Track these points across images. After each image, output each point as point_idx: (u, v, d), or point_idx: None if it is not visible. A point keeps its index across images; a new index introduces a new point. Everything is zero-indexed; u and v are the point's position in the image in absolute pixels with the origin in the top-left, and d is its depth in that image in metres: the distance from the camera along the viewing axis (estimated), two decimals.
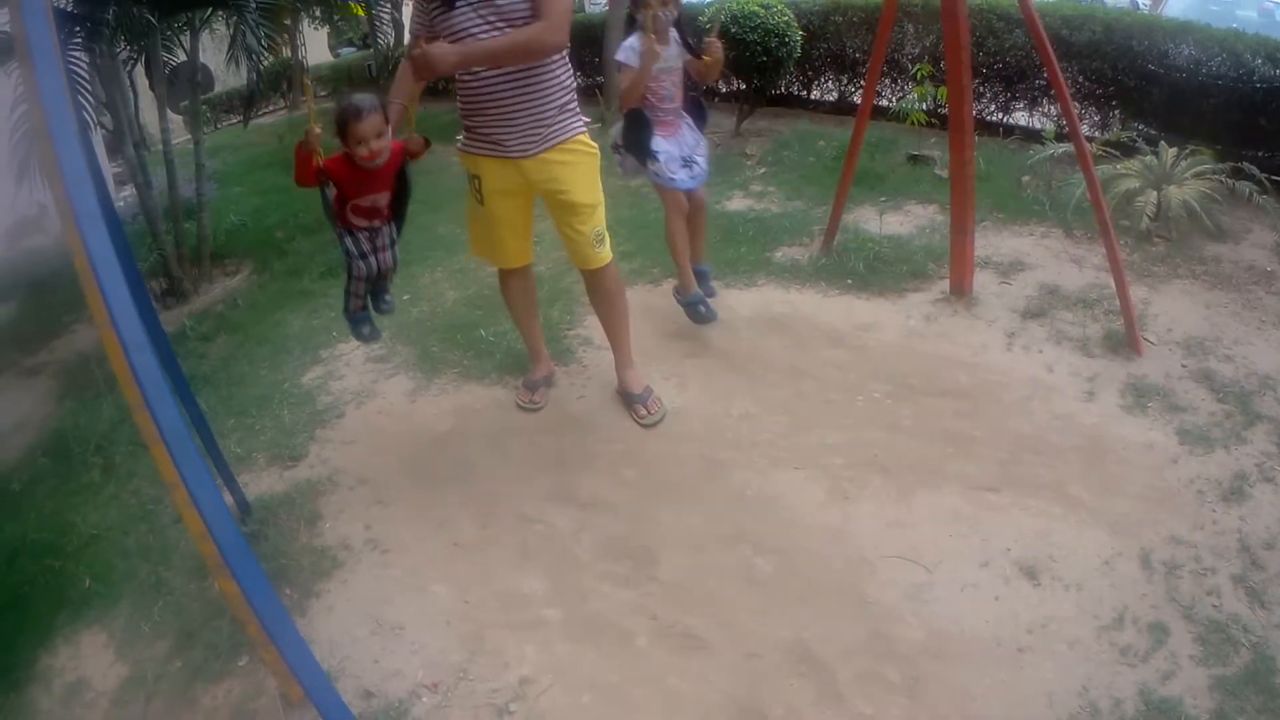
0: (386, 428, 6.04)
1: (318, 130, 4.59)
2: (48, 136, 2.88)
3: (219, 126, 20.07)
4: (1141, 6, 16.29)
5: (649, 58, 5.88)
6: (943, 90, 9.07)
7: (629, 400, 5.87)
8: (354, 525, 5.11)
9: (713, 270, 7.24)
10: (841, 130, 10.95)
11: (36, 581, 5.09)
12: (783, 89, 13.83)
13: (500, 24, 4.73)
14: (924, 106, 10.99)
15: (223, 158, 15.24)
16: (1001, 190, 9.13)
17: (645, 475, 5.33)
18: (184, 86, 10.35)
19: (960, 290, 7.07)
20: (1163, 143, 8.84)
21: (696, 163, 6.45)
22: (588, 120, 5.30)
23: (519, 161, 5.11)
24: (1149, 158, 8.66)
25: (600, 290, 5.70)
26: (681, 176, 6.34)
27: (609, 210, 5.52)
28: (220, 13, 9.09)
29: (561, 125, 5.12)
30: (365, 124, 4.57)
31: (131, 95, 9.31)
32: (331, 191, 4.80)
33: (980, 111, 11.68)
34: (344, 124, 4.60)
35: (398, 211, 5.11)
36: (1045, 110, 11.28)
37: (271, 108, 22.75)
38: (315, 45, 25.05)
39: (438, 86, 8.75)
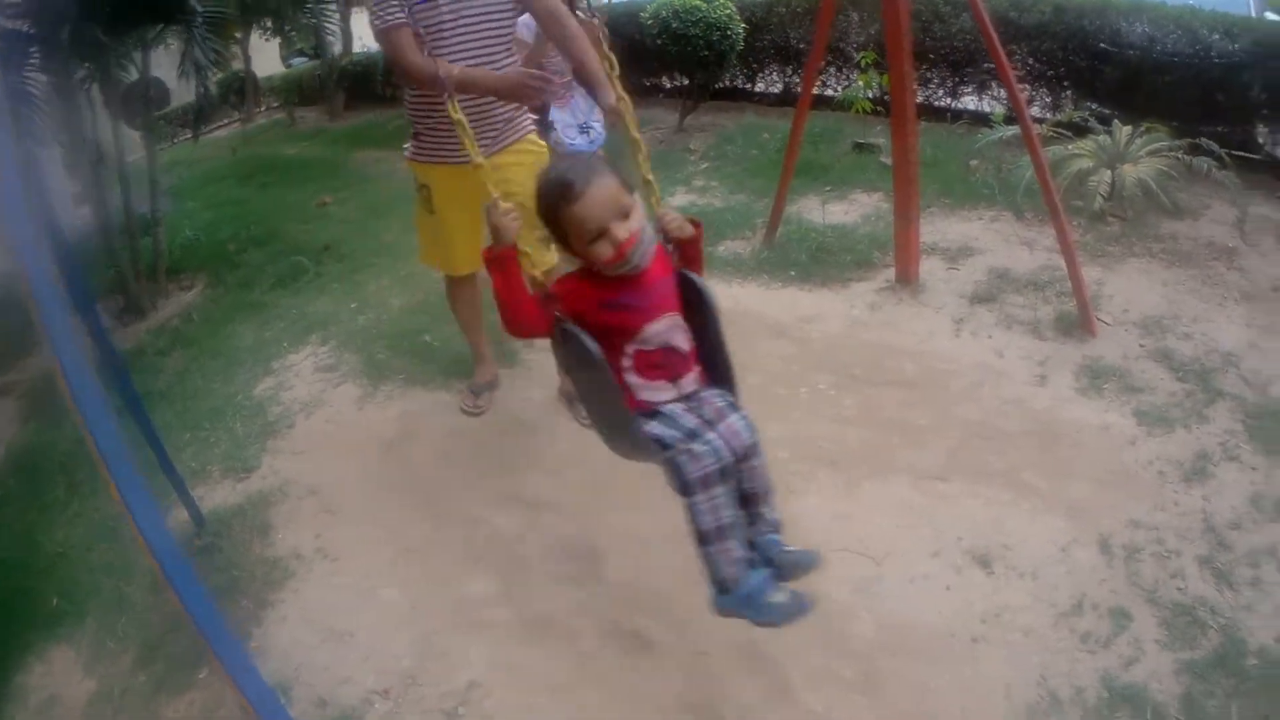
0: (335, 436, 6.09)
1: (506, 204, 3.31)
2: None
3: (174, 141, 20.07)
4: None
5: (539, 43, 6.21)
6: (886, 77, 9.09)
7: (571, 401, 5.88)
8: (305, 534, 5.15)
9: None
10: (786, 122, 10.88)
11: (6, 601, 5.19)
12: (726, 83, 13.89)
13: (479, 20, 4.90)
14: (869, 94, 11.00)
15: (177, 173, 15.32)
16: (949, 175, 9.16)
17: (590, 476, 5.30)
18: (138, 103, 10.35)
19: (906, 278, 7.08)
20: (1116, 121, 8.87)
21: (593, 128, 7.09)
22: (535, 118, 5.40)
23: (467, 169, 5.09)
24: (1102, 137, 8.69)
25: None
26: (580, 142, 6.98)
27: None
28: (172, 28, 9.10)
29: (514, 125, 5.22)
30: (589, 202, 2.99)
31: (89, 113, 9.31)
32: (589, 346, 3.11)
33: (928, 97, 11.75)
34: (556, 217, 3.07)
35: (705, 337, 3.45)
36: (994, 94, 11.33)
37: (225, 121, 22.76)
38: (267, 56, 25.02)
39: (385, 94, 8.67)
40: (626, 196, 3.03)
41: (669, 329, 3.24)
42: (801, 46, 12.77)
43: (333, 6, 11.25)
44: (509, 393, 6.25)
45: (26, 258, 2.87)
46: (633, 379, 3.24)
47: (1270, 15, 14.29)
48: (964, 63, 11.40)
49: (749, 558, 3.32)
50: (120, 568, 5.11)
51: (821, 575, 4.36)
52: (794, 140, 7.51)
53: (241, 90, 22.39)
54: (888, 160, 9.03)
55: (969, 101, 11.86)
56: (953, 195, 8.73)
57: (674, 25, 11.43)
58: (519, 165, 5.16)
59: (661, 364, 3.25)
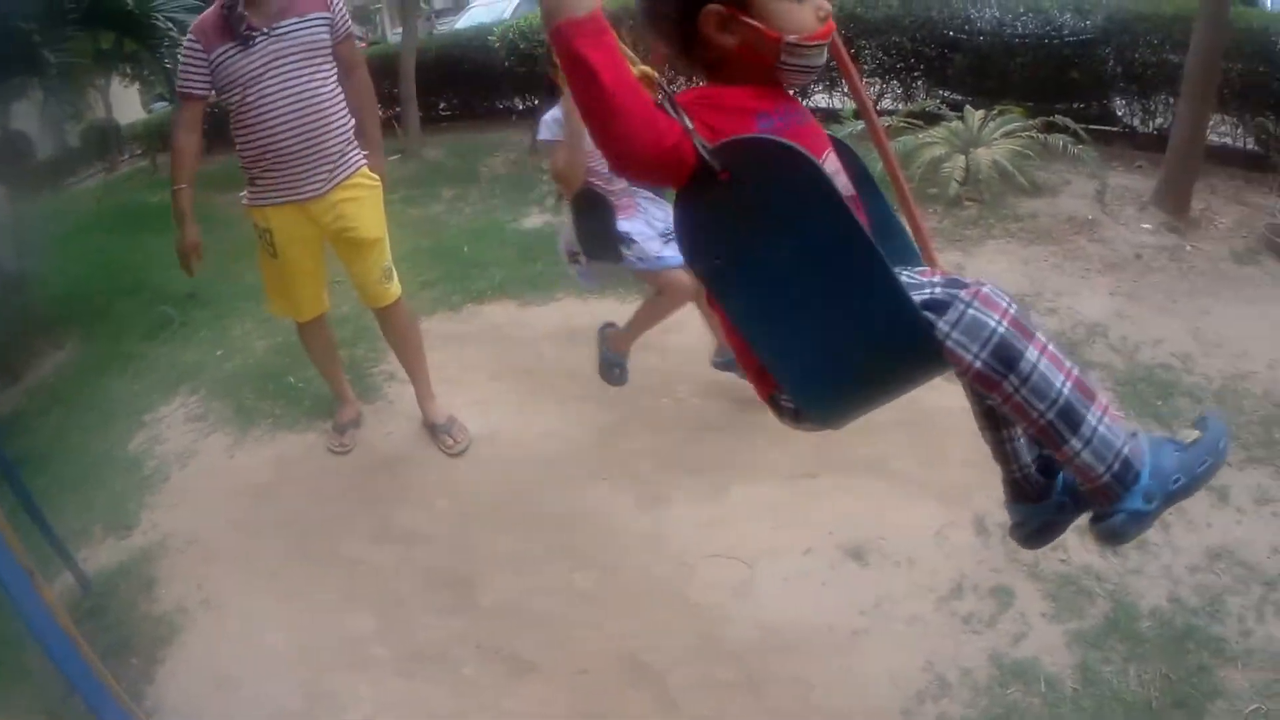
0: (209, 486, 6.04)
1: None
2: None
3: (40, 195, 19.81)
4: None
5: (571, 123, 4.73)
6: None
7: (434, 431, 5.93)
8: (188, 586, 5.10)
9: None
10: None
11: None
12: None
13: (302, 63, 5.04)
14: None
15: (45, 227, 15.02)
16: None
17: (458, 503, 5.38)
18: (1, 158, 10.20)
19: None
20: (968, 106, 9.04)
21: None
22: (365, 153, 5.44)
23: (308, 205, 5.23)
24: (955, 123, 8.84)
25: (393, 326, 5.87)
26: (669, 254, 5.09)
27: (408, 239, 5.60)
28: (32, 78, 8.97)
29: (346, 161, 5.26)
30: None
31: None
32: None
33: None
34: None
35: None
36: (844, 90, 11.48)
37: (91, 171, 22.42)
38: (129, 103, 24.67)
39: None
40: None
41: (839, 171, 2.42)
42: (647, 57, 12.88)
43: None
44: (372, 428, 6.27)
45: None
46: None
47: None
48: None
49: None
50: (16, 635, 4.75)
51: (694, 583, 4.43)
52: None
53: (104, 139, 22.09)
54: None
55: (820, 99, 12.00)
56: None
57: (521, 46, 11.59)
58: (352, 200, 5.28)
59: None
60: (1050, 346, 2.08)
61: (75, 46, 8.79)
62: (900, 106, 10.53)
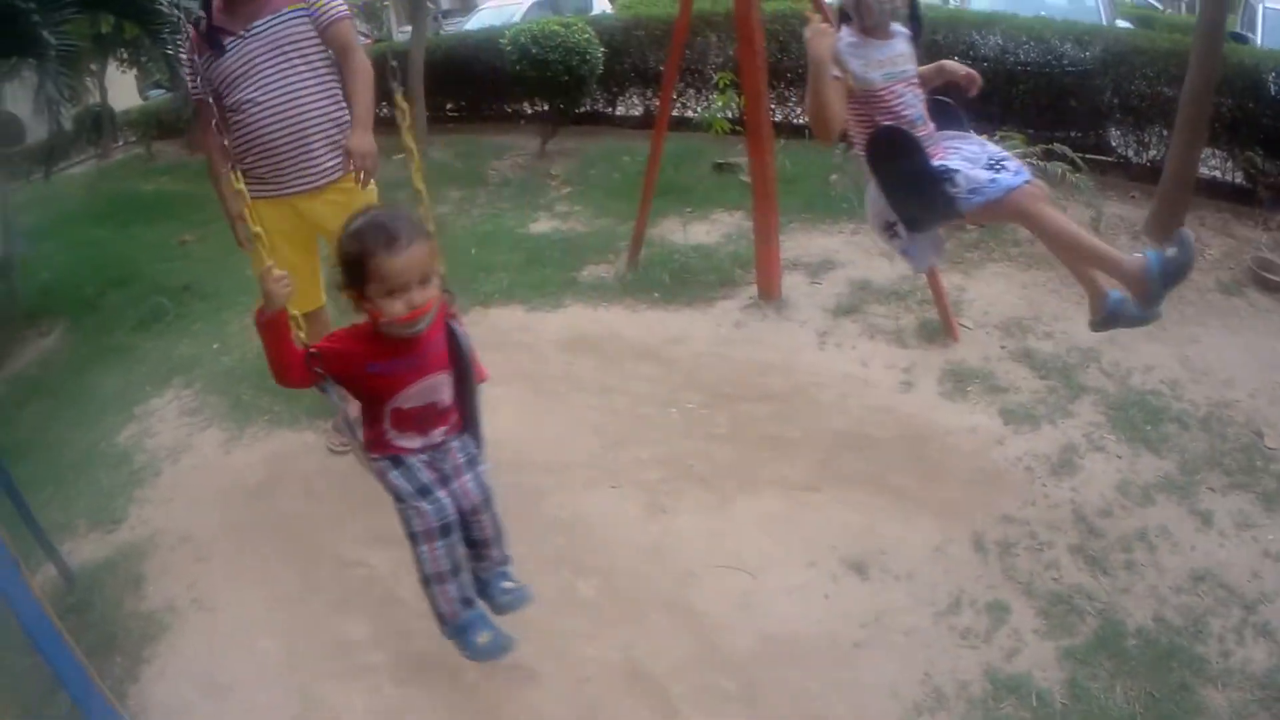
0: (203, 482, 5.96)
1: (279, 271, 3.30)
2: None
3: (30, 179, 19.55)
4: (953, 3, 16.68)
5: (813, 45, 4.35)
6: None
7: (339, 429, 5.79)
8: (178, 585, 5.03)
9: None
10: (647, 145, 10.98)
11: None
12: (587, 107, 13.97)
13: (277, 58, 4.99)
14: (728, 115, 11.12)
15: (34, 212, 14.73)
16: (810, 191, 9.30)
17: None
18: None
19: (769, 294, 7.18)
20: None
21: (1005, 158, 4.67)
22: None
23: (293, 199, 5.18)
24: None
25: None
26: (1004, 176, 4.43)
27: None
28: (29, 60, 8.88)
29: (335, 163, 5.18)
30: (406, 258, 3.10)
31: None
32: (342, 397, 3.54)
33: (787, 115, 11.99)
34: (364, 260, 3.12)
35: (464, 397, 3.73)
36: None
37: (83, 156, 22.23)
38: (125, 89, 24.45)
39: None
40: (434, 264, 3.21)
41: (434, 386, 3.49)
42: (660, 69, 12.86)
43: (187, 36, 11.12)
44: None
45: None
46: (389, 430, 3.50)
47: (1121, 23, 14.70)
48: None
49: (468, 598, 3.67)
50: None
51: (698, 593, 4.43)
52: (653, 162, 7.57)
53: (98, 125, 21.89)
54: (747, 179, 9.14)
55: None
56: (813, 210, 8.88)
57: (533, 51, 11.53)
58: (339, 205, 5.15)
59: (419, 419, 3.50)
60: (438, 549, 3.53)
61: (74, 29, 8.67)
62: None
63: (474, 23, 22.87)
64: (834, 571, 4.51)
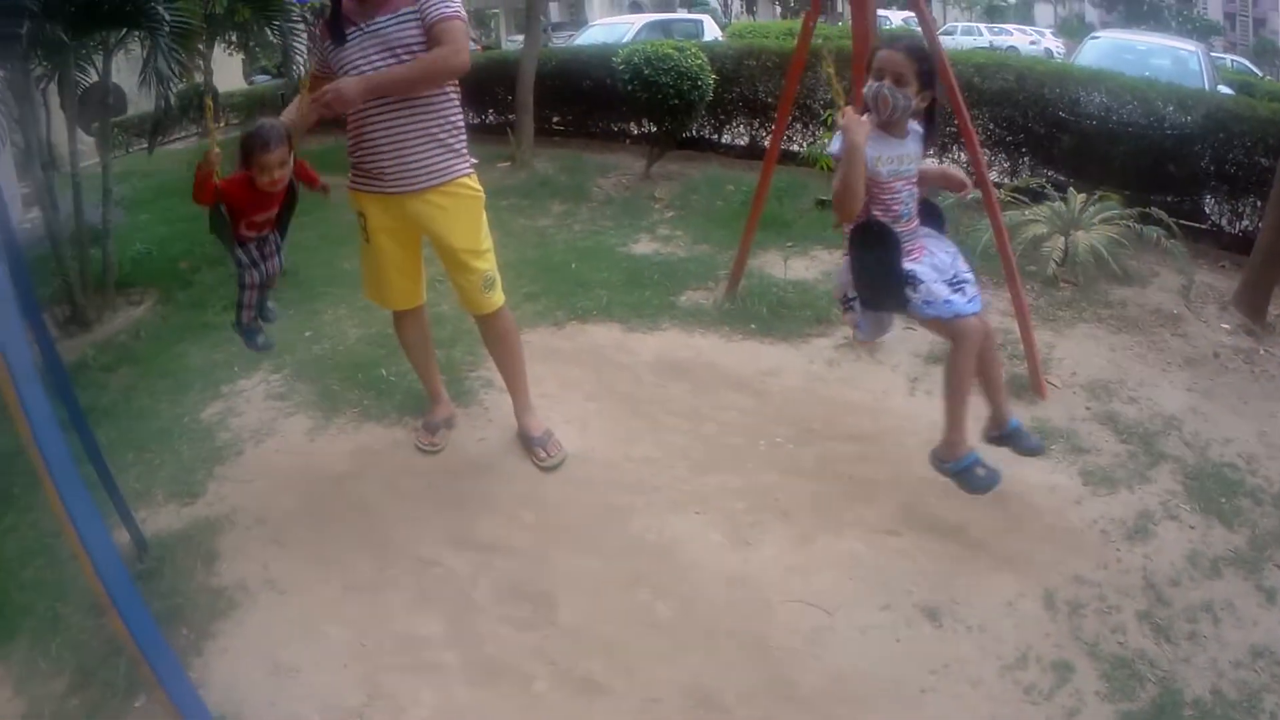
0: (285, 467, 5.97)
1: (217, 151, 4.79)
2: None
3: (130, 150, 19.67)
4: (1056, 56, 16.59)
5: (851, 133, 4.36)
6: None
7: (528, 443, 5.85)
8: (251, 565, 5.03)
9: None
10: (751, 175, 11.05)
11: None
12: (694, 132, 13.98)
13: (388, 58, 4.92)
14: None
15: (132, 183, 14.90)
16: None
17: (545, 519, 5.33)
18: (95, 107, 10.14)
19: None
20: (1071, 189, 9.05)
21: (967, 281, 4.78)
22: (474, 161, 5.37)
23: (399, 198, 5.18)
24: (1057, 204, 8.86)
25: (493, 335, 5.75)
26: (957, 299, 4.64)
27: (513, 249, 5.59)
28: (135, 34, 8.97)
29: (444, 165, 5.17)
30: (272, 155, 4.79)
31: (43, 114, 9.14)
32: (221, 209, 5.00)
33: None
34: (250, 152, 4.80)
35: (283, 219, 5.32)
36: (955, 157, 11.45)
37: (183, 134, 22.43)
38: (229, 71, 24.72)
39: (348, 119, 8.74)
40: (288, 155, 4.88)
41: (269, 214, 5.14)
42: (769, 101, 12.89)
43: (301, 25, 11.14)
44: (464, 432, 6.20)
45: None
46: (242, 229, 5.07)
47: (1222, 88, 14.58)
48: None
49: (255, 316, 5.56)
50: (55, 586, 4.93)
51: (772, 625, 4.47)
52: (760, 194, 7.60)
53: (201, 104, 21.98)
54: None
55: (929, 163, 11.98)
56: None
57: (645, 72, 11.56)
58: (444, 208, 5.22)
59: (261, 223, 5.13)
60: None
61: (187, 6, 8.71)
62: (1006, 180, 10.51)
63: (584, 38, 22.97)
64: (908, 616, 4.52)
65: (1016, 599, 4.62)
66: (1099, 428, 6.02)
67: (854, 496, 5.39)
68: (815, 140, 12.05)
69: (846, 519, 5.22)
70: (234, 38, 18.11)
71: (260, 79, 27.79)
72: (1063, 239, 8.34)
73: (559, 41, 27.14)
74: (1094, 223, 8.55)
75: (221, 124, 23.46)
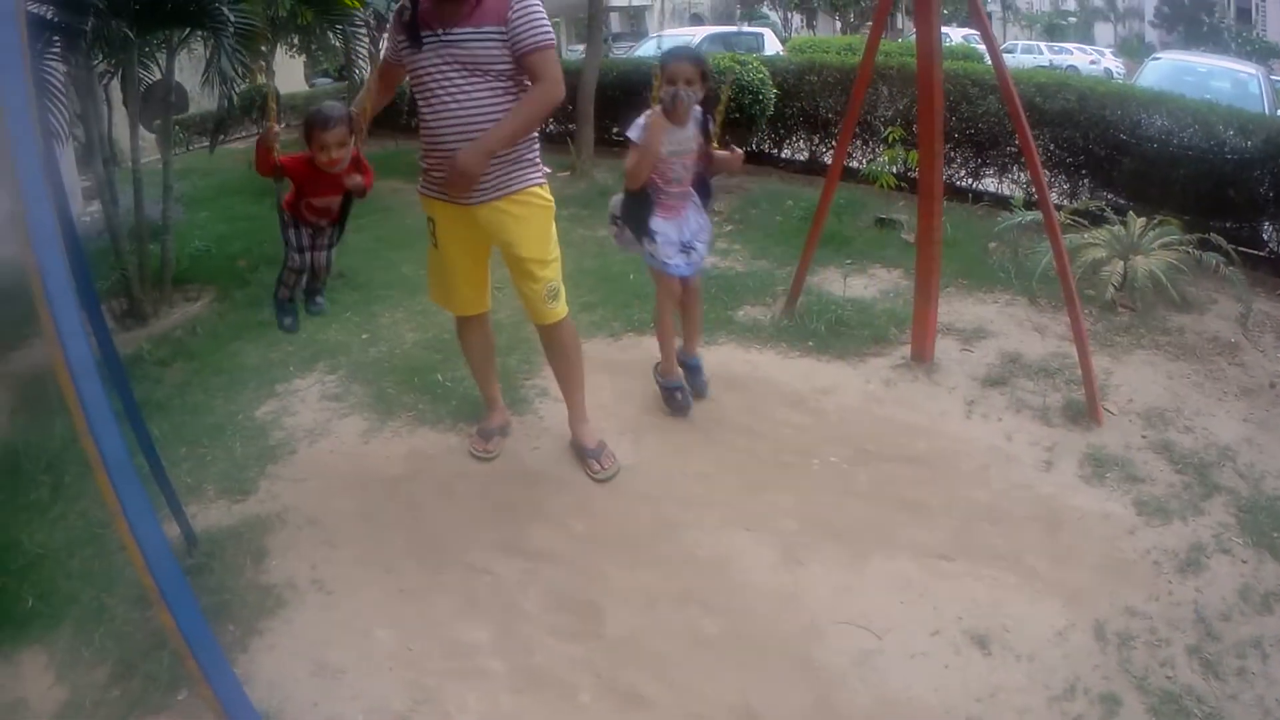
0: (338, 468, 6.00)
1: (276, 129, 4.96)
2: (7, 147, 2.85)
3: (191, 148, 19.83)
4: (1116, 76, 16.49)
5: (650, 135, 5.74)
6: (913, 154, 9.11)
7: (582, 454, 5.85)
8: (300, 564, 5.06)
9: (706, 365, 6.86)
10: (811, 190, 11.03)
11: None
12: (754, 146, 13.90)
13: (465, 73, 4.91)
14: (894, 170, 11.08)
15: (192, 180, 15.09)
16: (968, 256, 9.22)
17: (596, 530, 5.31)
18: (158, 105, 10.21)
19: (921, 356, 7.11)
20: (1131, 212, 8.96)
21: (695, 249, 6.15)
22: (548, 171, 5.36)
23: (470, 208, 5.15)
24: (1117, 227, 8.78)
25: (554, 345, 5.73)
26: (677, 261, 6.03)
27: (572, 259, 5.58)
28: (199, 33, 9.03)
29: (514, 175, 5.15)
30: (331, 134, 4.83)
31: (105, 110, 9.23)
32: (286, 187, 5.19)
33: (950, 177, 11.81)
34: (310, 130, 4.87)
35: (341, 218, 5.37)
36: (1015, 177, 11.40)
37: (244, 133, 22.60)
38: (290, 73, 24.91)
39: (410, 124, 8.69)
40: (347, 136, 4.90)
41: (331, 202, 5.19)
42: (830, 116, 12.87)
43: (364, 30, 11.21)
44: (518, 440, 6.20)
45: (43, 251, 2.81)
46: (305, 211, 5.16)
47: None
48: (988, 144, 11.49)
49: (293, 299, 5.74)
50: (102, 577, 4.99)
51: (820, 647, 4.42)
52: (821, 211, 7.56)
53: (263, 105, 22.16)
54: (909, 237, 9.12)
55: (989, 183, 11.93)
56: (970, 276, 8.80)
57: (707, 84, 11.53)
58: (515, 217, 5.20)
59: (320, 210, 5.18)
60: None
61: (250, 7, 8.77)
62: (1065, 202, 10.42)
63: (643, 49, 22.96)
64: (957, 642, 4.46)
65: (1067, 629, 4.54)
66: (1154, 456, 5.93)
67: (907, 519, 5.33)
68: (875, 158, 11.98)
69: (899, 542, 5.15)
70: (296, 40, 18.21)
71: (321, 81, 27.96)
72: (1122, 263, 8.25)
73: (619, 52, 27.13)
74: (1153, 248, 8.45)
75: (283, 124, 23.78)
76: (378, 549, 5.20)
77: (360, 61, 14.61)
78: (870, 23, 7.43)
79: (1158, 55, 22.45)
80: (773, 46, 26.39)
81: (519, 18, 4.87)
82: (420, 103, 5.08)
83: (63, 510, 5.64)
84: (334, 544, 5.25)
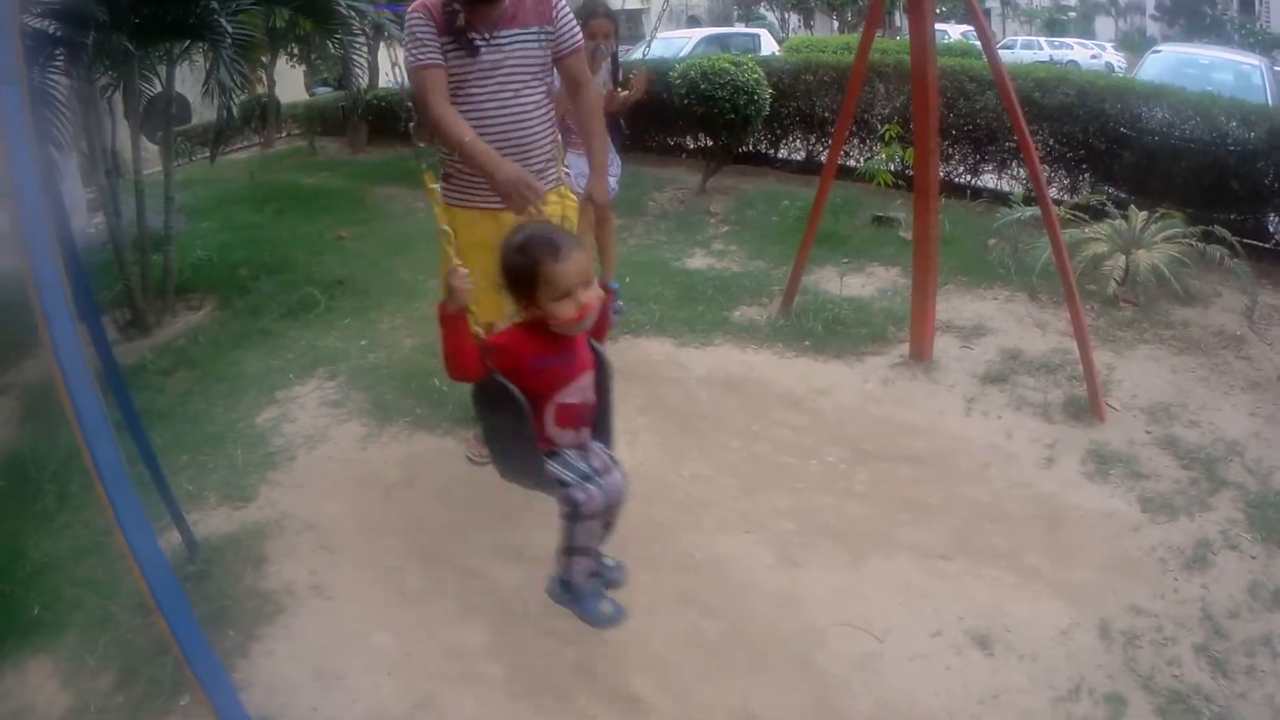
0: (336, 474, 6.03)
1: (463, 270, 3.60)
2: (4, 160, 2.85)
3: (192, 159, 19.97)
4: (1118, 70, 16.51)
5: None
6: (910, 152, 9.10)
7: (474, 440, 5.88)
8: (299, 570, 5.09)
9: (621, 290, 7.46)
10: (807, 190, 10.99)
11: None
12: (750, 147, 13.88)
13: (518, 77, 4.99)
14: (891, 168, 11.05)
15: (193, 191, 15.13)
16: (967, 253, 9.18)
17: None
18: (159, 116, 10.28)
19: (920, 354, 7.09)
20: (1132, 206, 8.93)
21: (613, 176, 7.23)
22: (567, 169, 5.40)
23: (498, 214, 5.06)
24: (1118, 221, 8.74)
25: None
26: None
27: None
28: (198, 45, 9.09)
29: (545, 176, 5.15)
30: (572, 265, 3.46)
31: (109, 122, 9.28)
32: (517, 396, 3.58)
33: (948, 173, 11.76)
34: (533, 269, 3.48)
35: (601, 397, 3.98)
36: (1014, 173, 11.38)
37: (245, 143, 22.71)
38: (291, 83, 25.02)
39: (409, 131, 8.65)
40: (591, 268, 3.63)
41: (588, 384, 3.81)
42: (826, 116, 12.81)
43: (361, 39, 11.26)
44: None
45: (38, 263, 2.82)
46: (551, 427, 3.74)
47: None
48: (986, 141, 11.45)
49: (595, 572, 4.11)
50: (106, 585, 5.02)
51: (821, 649, 4.40)
52: (816, 210, 7.54)
53: (263, 115, 22.35)
54: (906, 235, 9.09)
55: (988, 180, 11.90)
56: (969, 273, 8.77)
57: (702, 86, 11.53)
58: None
59: (576, 416, 3.80)
60: (592, 525, 3.89)
61: (249, 19, 8.84)
62: (1066, 197, 10.38)
63: (637, 53, 23.02)
64: (958, 644, 4.44)
65: (1070, 628, 4.52)
66: (1159, 452, 5.90)
67: (906, 519, 5.32)
68: (871, 156, 11.96)
69: (899, 542, 5.14)
70: (296, 50, 18.24)
71: (321, 90, 28.07)
72: (1123, 257, 8.22)
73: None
74: (1155, 241, 8.42)
75: (283, 134, 23.82)
76: (376, 554, 5.23)
77: (356, 70, 14.70)
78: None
79: (1158, 48, 22.48)
80: (769, 47, 26.41)
81: (563, 17, 5.02)
82: (458, 108, 4.95)
83: (68, 519, 5.70)
84: (332, 549, 5.28)
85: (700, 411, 6.55)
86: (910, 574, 4.91)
